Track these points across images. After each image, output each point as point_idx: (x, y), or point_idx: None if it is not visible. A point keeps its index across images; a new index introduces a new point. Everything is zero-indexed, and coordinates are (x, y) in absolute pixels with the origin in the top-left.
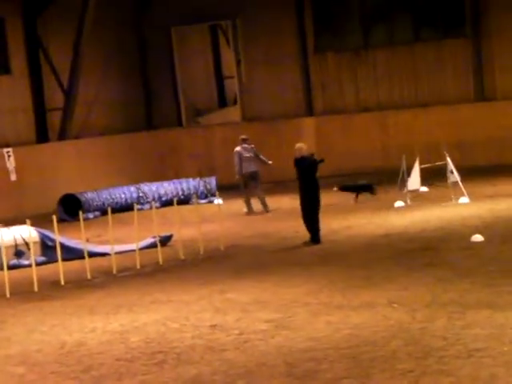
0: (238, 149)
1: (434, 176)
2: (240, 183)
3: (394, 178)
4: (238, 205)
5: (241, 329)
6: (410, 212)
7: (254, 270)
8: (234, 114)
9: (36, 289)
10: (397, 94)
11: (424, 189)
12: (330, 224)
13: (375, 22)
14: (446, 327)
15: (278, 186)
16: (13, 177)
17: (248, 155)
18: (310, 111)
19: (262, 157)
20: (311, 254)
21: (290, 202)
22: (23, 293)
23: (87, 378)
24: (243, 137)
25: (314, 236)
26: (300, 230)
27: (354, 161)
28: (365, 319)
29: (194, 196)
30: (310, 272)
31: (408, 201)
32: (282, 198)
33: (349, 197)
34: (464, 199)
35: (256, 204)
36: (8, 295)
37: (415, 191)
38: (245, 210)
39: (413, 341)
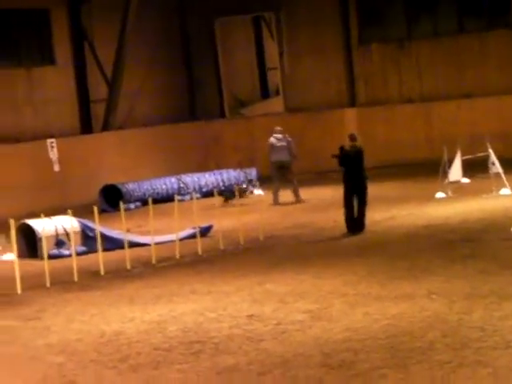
0: (270, 139)
1: (475, 167)
2: (271, 172)
3: (436, 169)
4: (279, 195)
5: (278, 319)
6: (451, 203)
7: (293, 261)
8: (276, 105)
9: (76, 279)
10: (441, 85)
11: (465, 180)
12: (372, 215)
13: (419, 13)
14: (483, 318)
15: (319, 177)
16: (56, 167)
17: (279, 144)
18: (352, 102)
19: (293, 151)
20: (351, 245)
21: (332, 193)
22: (63, 283)
23: (125, 367)
24: (277, 128)
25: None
26: (339, 220)
27: (397, 152)
28: (403, 310)
29: (235, 187)
30: (349, 263)
31: (449, 192)
32: (324, 189)
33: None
34: (506, 191)
35: (288, 195)
36: (48, 285)
37: (456, 182)
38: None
39: (450, 332)
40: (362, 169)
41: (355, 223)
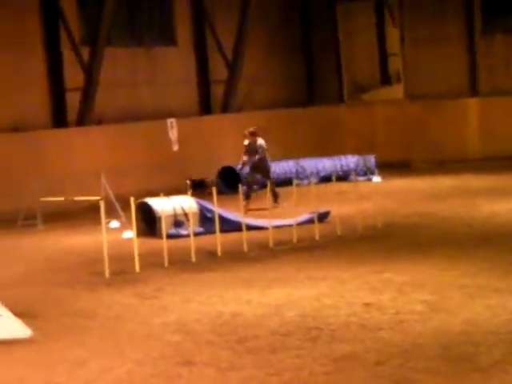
0: (263, 141)
1: None
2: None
3: None
4: (397, 183)
5: (396, 308)
6: None
7: (412, 250)
8: (396, 91)
9: (193, 259)
10: None
11: None
12: (493, 207)
13: None
14: None
15: (439, 167)
16: (175, 147)
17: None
18: (474, 92)
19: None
20: (471, 237)
21: (451, 183)
22: (181, 262)
23: (241, 349)
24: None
25: None
26: (460, 210)
27: None
28: None
29: (353, 173)
30: (469, 254)
31: None
32: (443, 178)
33: None
34: None
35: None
36: (166, 264)
37: None
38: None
39: None
40: None
41: None
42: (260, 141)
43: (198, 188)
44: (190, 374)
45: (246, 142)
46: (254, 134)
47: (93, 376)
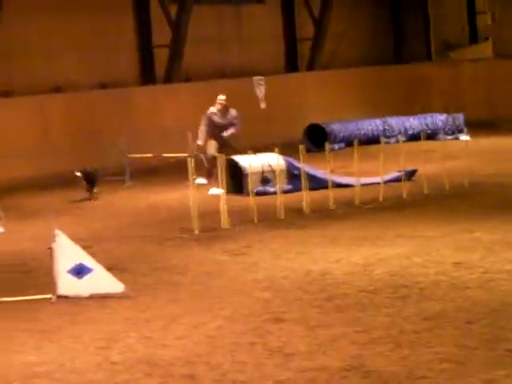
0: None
1: None
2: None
3: None
4: (485, 142)
5: (485, 267)
6: None
7: (500, 209)
8: (485, 50)
9: (282, 216)
10: None
11: None
12: None
13: None
14: None
15: None
16: (263, 105)
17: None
18: None
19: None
20: None
21: None
22: (269, 219)
23: (330, 307)
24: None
25: None
26: None
27: None
28: None
29: (441, 131)
30: None
31: None
32: None
33: None
34: None
35: None
36: (255, 221)
37: None
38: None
39: None
40: None
41: None
42: (234, 111)
43: (90, 182)
44: (280, 331)
45: (214, 110)
46: (225, 103)
47: (185, 332)
